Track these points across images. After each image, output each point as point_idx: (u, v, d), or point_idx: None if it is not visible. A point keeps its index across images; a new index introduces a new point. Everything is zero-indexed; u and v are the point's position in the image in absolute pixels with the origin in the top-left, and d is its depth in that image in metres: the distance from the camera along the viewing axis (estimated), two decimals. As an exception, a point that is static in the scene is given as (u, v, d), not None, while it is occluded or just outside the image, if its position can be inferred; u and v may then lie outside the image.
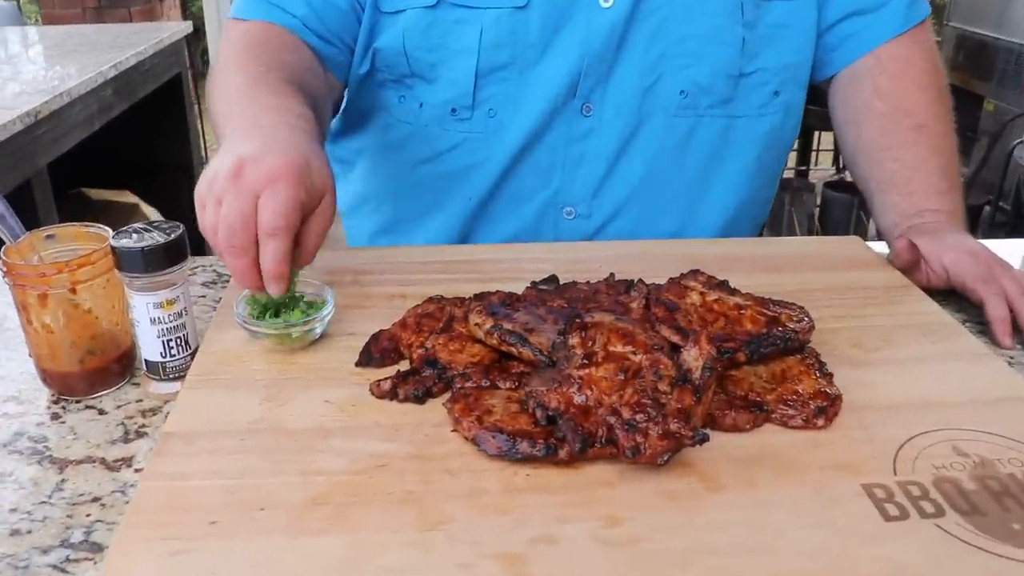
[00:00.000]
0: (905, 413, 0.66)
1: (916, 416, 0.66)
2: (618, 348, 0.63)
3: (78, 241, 0.78)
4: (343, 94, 1.07)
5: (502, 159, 0.99)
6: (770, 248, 0.96)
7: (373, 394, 0.68)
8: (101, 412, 0.73)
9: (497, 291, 0.76)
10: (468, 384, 0.65)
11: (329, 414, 0.66)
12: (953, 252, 0.88)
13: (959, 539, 0.54)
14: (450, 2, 0.94)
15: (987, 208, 2.83)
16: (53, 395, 0.75)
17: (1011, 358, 0.80)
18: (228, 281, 0.90)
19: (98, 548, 0.58)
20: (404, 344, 0.73)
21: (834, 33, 1.04)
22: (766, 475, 0.59)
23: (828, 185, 2.99)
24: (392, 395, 0.67)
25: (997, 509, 0.56)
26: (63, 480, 0.65)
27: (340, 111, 1.11)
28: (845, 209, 2.84)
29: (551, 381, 0.62)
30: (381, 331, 0.75)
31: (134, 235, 0.73)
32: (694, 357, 0.63)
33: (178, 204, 2.79)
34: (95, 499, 0.63)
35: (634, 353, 0.63)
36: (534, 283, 0.78)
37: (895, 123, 1.00)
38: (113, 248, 0.71)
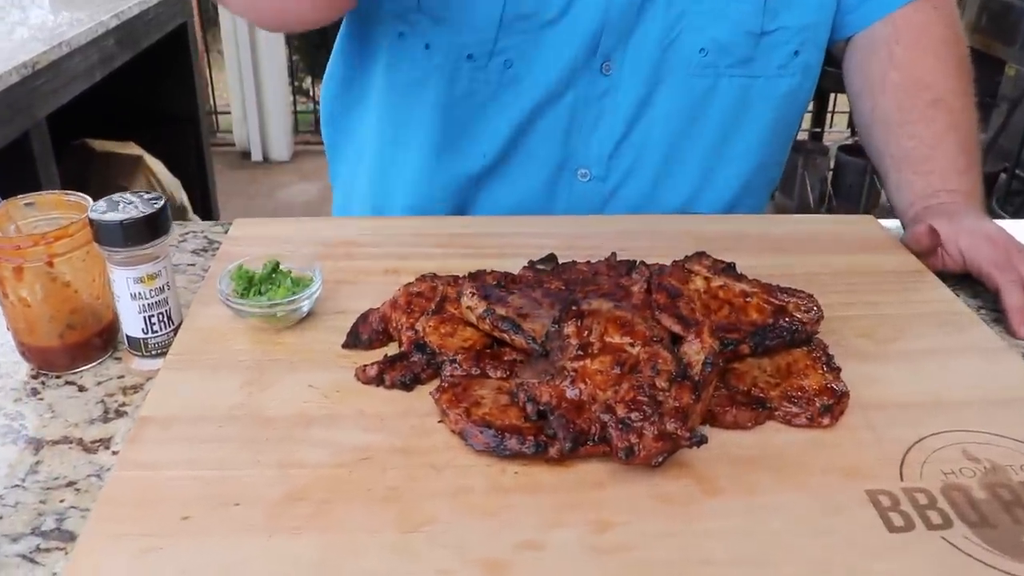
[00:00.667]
0: (914, 412, 0.63)
1: (926, 416, 0.63)
2: (615, 339, 0.60)
3: (58, 209, 0.76)
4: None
5: (515, 116, 0.95)
6: (780, 226, 0.92)
7: (359, 379, 0.65)
8: (81, 389, 0.71)
9: (492, 271, 0.73)
10: (457, 372, 0.62)
11: (312, 400, 0.64)
12: (970, 236, 0.84)
13: (966, 553, 0.51)
14: None
15: (1003, 175, 2.76)
16: (32, 370, 0.73)
17: (1027, 349, 0.76)
18: (218, 249, 0.87)
19: (70, 537, 0.56)
20: (393, 325, 0.70)
21: None
22: (766, 478, 0.56)
23: (842, 149, 2.92)
24: (378, 381, 0.64)
25: (1007, 521, 0.53)
26: (38, 462, 0.63)
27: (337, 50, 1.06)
28: (859, 174, 2.78)
29: (543, 373, 0.59)
30: (370, 311, 0.72)
31: (114, 206, 0.70)
32: (695, 351, 0.59)
33: (184, 156, 2.78)
34: (70, 483, 0.61)
35: (632, 345, 0.59)
36: (531, 262, 0.75)
37: (912, 97, 0.95)
38: (91, 221, 0.68)
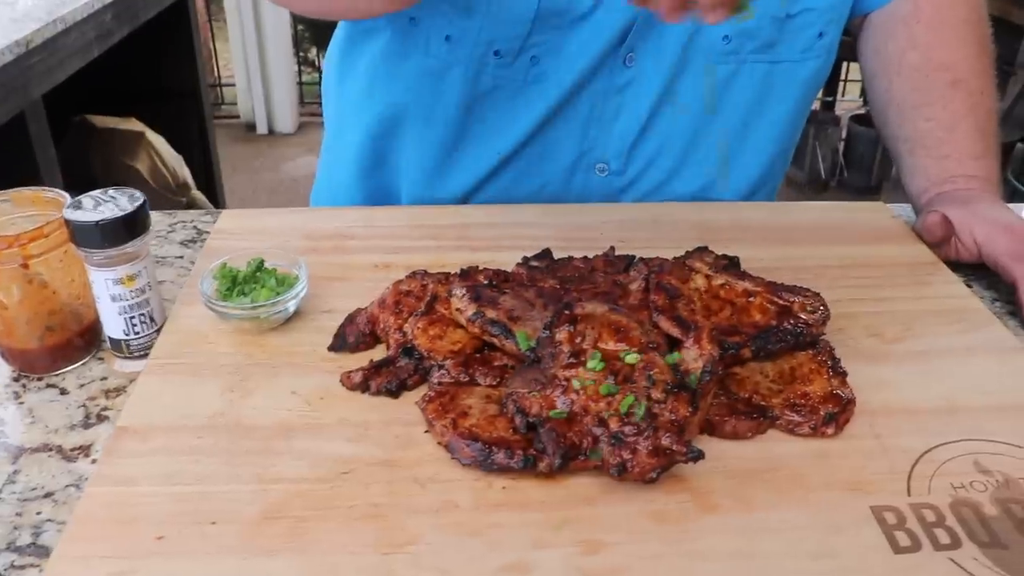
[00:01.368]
0: (924, 419, 0.60)
1: (936, 423, 0.60)
2: (609, 345, 0.57)
3: (36, 206, 0.73)
4: None
5: (537, 113, 0.91)
6: (788, 215, 0.88)
7: (343, 385, 0.63)
8: (63, 392, 0.69)
9: (484, 269, 0.70)
10: (445, 379, 0.60)
11: (295, 408, 0.62)
12: (986, 225, 0.80)
13: (975, 576, 0.48)
14: None
15: (1020, 145, 2.69)
16: (14, 372, 0.71)
17: (1044, 346, 0.73)
18: (207, 240, 0.85)
19: (45, 553, 0.54)
20: (381, 327, 0.67)
21: None
22: (765, 493, 0.54)
23: (854, 119, 2.85)
24: (363, 388, 0.62)
25: (1020, 541, 0.51)
26: (16, 472, 0.61)
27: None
28: (871, 144, 2.71)
29: (533, 382, 0.56)
30: (358, 311, 0.69)
31: (91, 204, 0.67)
32: (693, 358, 0.57)
33: (187, 131, 2.74)
34: (48, 494, 0.59)
35: (627, 352, 0.57)
36: (526, 259, 0.72)
37: (929, 78, 0.90)
38: (67, 221, 0.66)
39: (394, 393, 0.62)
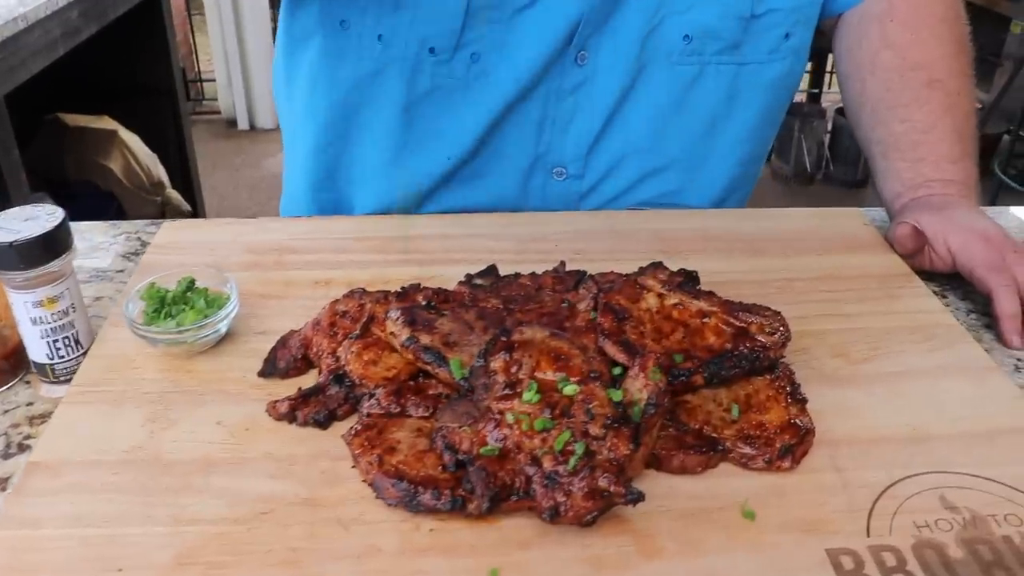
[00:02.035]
0: (888, 449, 0.56)
1: (901, 454, 0.56)
2: (548, 375, 0.53)
3: (-46, 224, 0.68)
4: None
5: (485, 114, 0.87)
6: (756, 223, 0.84)
7: (270, 415, 0.59)
8: (-16, 419, 0.65)
9: (424, 288, 0.66)
10: (375, 410, 0.56)
11: (217, 441, 0.58)
12: (962, 233, 0.76)
13: (936, 630, 0.45)
14: None
15: (1006, 137, 2.65)
16: (-67, 397, 0.67)
17: (1019, 360, 0.69)
18: (142, 256, 0.80)
19: (-59, 608, 0.50)
20: (314, 351, 0.63)
21: None
22: (714, 535, 0.50)
23: (840, 112, 2.81)
24: (290, 419, 0.58)
25: (986, 587, 0.47)
26: (-76, 510, 0.57)
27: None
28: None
29: (465, 415, 0.52)
30: (291, 333, 0.65)
31: (10, 223, 0.63)
32: (638, 388, 0.53)
33: (162, 129, 2.69)
34: (-47, 537, 0.55)
35: (565, 382, 0.53)
36: (469, 276, 0.68)
37: (905, 78, 0.86)
38: (-22, 241, 0.61)
39: (323, 424, 0.58)
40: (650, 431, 0.52)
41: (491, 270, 0.68)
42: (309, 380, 0.63)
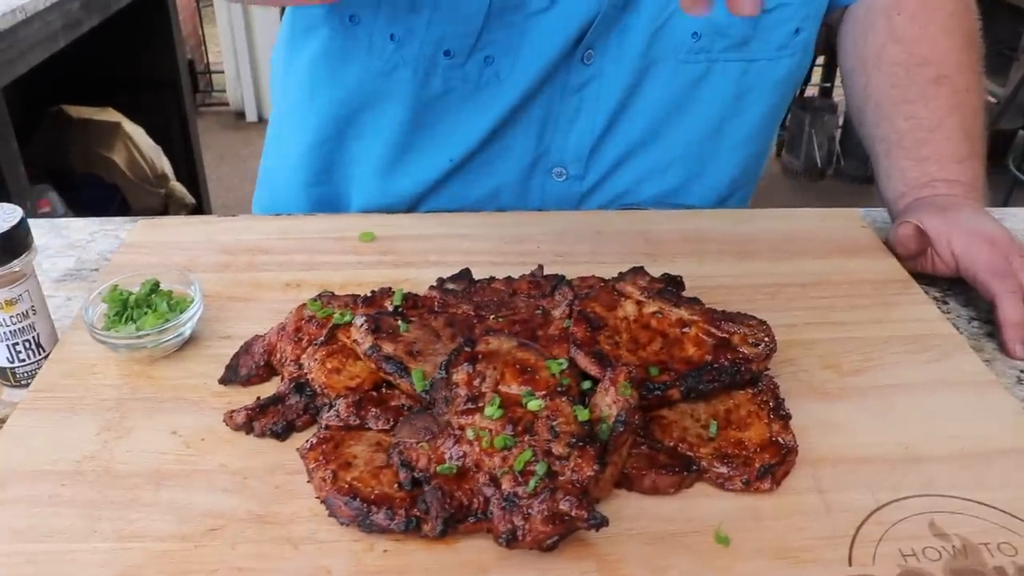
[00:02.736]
0: (876, 470, 0.53)
1: (890, 475, 0.53)
2: (512, 388, 0.50)
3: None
4: None
5: (492, 117, 0.84)
6: (749, 224, 0.81)
7: (227, 425, 0.56)
8: (-59, 424, 0.63)
9: (379, 294, 0.63)
10: (334, 422, 0.53)
11: (171, 451, 0.55)
12: (966, 235, 0.73)
13: (918, 670, 0.42)
14: None
15: (1021, 133, 2.58)
16: None
17: (1022, 372, 0.66)
18: (112, 256, 0.78)
19: None
20: (277, 357, 0.61)
21: None
22: (684, 563, 0.47)
23: (854, 106, 2.76)
24: (247, 429, 0.55)
25: (974, 624, 0.44)
26: None
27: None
28: (870, 134, 2.61)
29: (424, 431, 0.50)
30: (255, 339, 0.63)
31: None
32: (607, 404, 0.50)
33: (167, 122, 2.68)
34: None
35: (531, 396, 0.50)
36: (441, 280, 0.65)
37: (911, 73, 0.82)
38: (-69, 242, 0.59)
39: (281, 436, 0.55)
40: (619, 449, 0.49)
41: (464, 274, 0.65)
42: (272, 388, 0.60)
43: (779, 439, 0.53)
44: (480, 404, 0.50)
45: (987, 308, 0.71)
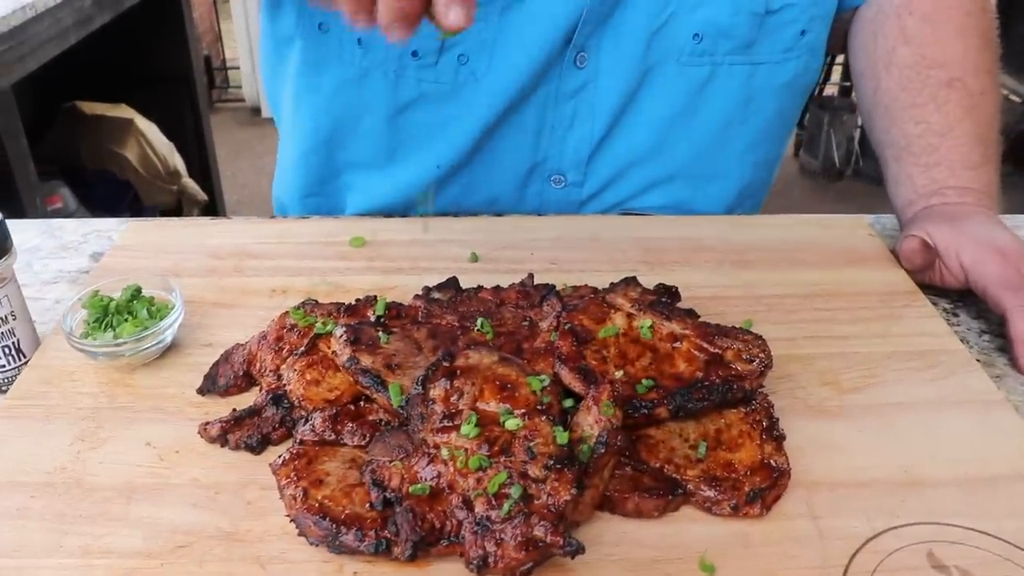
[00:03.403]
0: (874, 495, 0.50)
1: (888, 500, 0.50)
2: (490, 406, 0.48)
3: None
4: None
5: (478, 120, 0.82)
6: (750, 231, 0.78)
7: (202, 437, 0.55)
8: (-83, 431, 0.62)
9: (363, 302, 0.61)
10: (308, 436, 0.52)
11: (145, 464, 0.54)
12: (976, 247, 0.70)
13: None
14: None
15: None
16: None
17: (1032, 388, 0.63)
18: (102, 259, 0.77)
19: None
20: (258, 367, 0.59)
21: None
22: (665, 591, 0.45)
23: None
24: (222, 442, 0.54)
25: (971, 664, 0.41)
26: None
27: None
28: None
29: (397, 448, 0.48)
30: (236, 347, 0.61)
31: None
32: (589, 424, 0.48)
33: (180, 118, 2.68)
34: None
35: (509, 414, 0.48)
36: (427, 289, 0.63)
37: (922, 76, 0.79)
38: (-92, 245, 0.58)
39: (255, 449, 0.54)
40: (599, 472, 0.47)
41: (451, 282, 0.63)
42: (252, 399, 0.58)
43: (771, 461, 0.50)
44: (456, 422, 0.48)
45: (999, 321, 0.68)
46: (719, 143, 0.86)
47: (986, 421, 0.56)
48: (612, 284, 0.61)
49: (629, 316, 0.57)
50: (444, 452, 0.47)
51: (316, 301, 0.63)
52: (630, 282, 0.61)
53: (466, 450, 0.46)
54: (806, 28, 0.82)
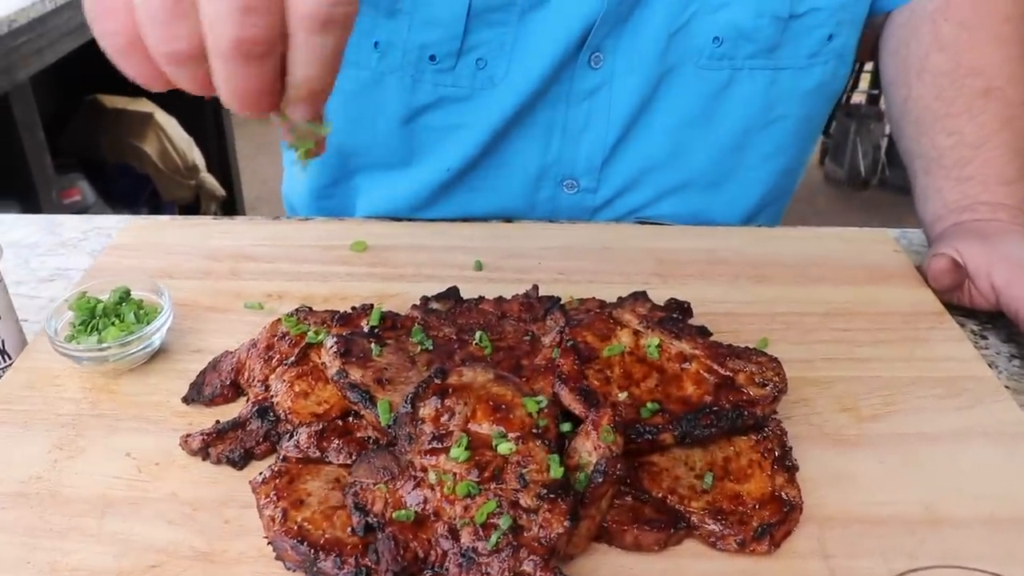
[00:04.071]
0: (891, 533, 0.47)
1: (907, 539, 0.47)
2: (483, 427, 0.46)
3: None
4: None
5: (490, 123, 0.79)
6: (768, 244, 0.75)
7: (183, 449, 0.52)
8: None
9: (359, 311, 0.59)
10: (291, 452, 0.49)
11: (122, 475, 0.51)
12: (1008, 267, 0.66)
13: None
14: None
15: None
16: None
17: (1069, 422, 0.59)
18: (97, 258, 0.75)
19: None
20: (245, 377, 0.56)
21: None
22: (663, 634, 0.42)
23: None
24: (203, 455, 0.51)
25: None
26: None
27: None
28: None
29: (382, 471, 0.45)
30: (225, 354, 0.59)
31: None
32: (587, 450, 0.45)
33: (199, 114, 2.67)
34: None
35: (502, 438, 0.45)
36: (424, 300, 0.60)
37: (957, 84, 0.75)
38: None
39: (237, 464, 0.51)
40: (596, 503, 0.44)
41: (451, 292, 0.61)
42: (238, 410, 0.56)
43: (782, 494, 0.47)
44: (446, 444, 0.45)
45: (1031, 347, 0.65)
46: (738, 150, 0.82)
47: (1015, 454, 0.53)
48: (620, 299, 0.58)
49: (636, 334, 0.54)
50: (432, 476, 0.44)
51: (310, 308, 0.61)
52: (639, 297, 0.58)
53: (455, 475, 0.44)
54: (833, 33, 0.78)
